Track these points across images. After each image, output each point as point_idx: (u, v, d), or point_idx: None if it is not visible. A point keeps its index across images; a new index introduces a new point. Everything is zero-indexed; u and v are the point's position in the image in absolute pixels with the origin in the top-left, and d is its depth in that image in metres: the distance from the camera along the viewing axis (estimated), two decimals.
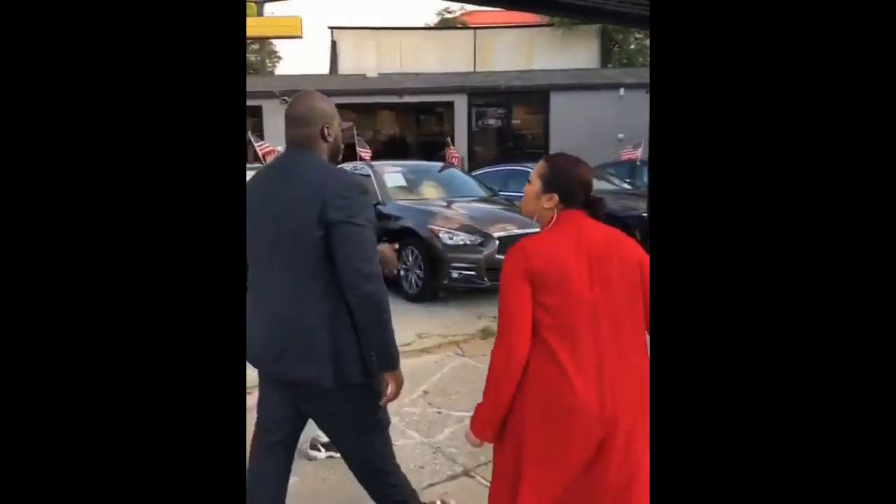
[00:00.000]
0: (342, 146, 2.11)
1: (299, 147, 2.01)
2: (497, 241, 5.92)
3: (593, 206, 1.74)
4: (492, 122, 16.61)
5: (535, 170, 1.80)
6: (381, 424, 2.09)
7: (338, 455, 2.60)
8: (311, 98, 2.05)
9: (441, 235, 6.01)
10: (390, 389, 1.92)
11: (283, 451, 2.12)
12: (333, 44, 20.02)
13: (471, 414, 1.73)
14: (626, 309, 1.63)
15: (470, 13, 22.85)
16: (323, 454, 3.02)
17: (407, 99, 15.87)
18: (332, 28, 20.20)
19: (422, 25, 24.35)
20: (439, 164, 8.35)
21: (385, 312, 1.87)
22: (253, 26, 19.21)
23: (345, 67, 19.09)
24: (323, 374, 1.90)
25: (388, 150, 16.09)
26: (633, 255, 1.67)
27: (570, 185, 1.72)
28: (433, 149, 14.78)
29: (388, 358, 1.90)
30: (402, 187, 7.34)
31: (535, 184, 1.76)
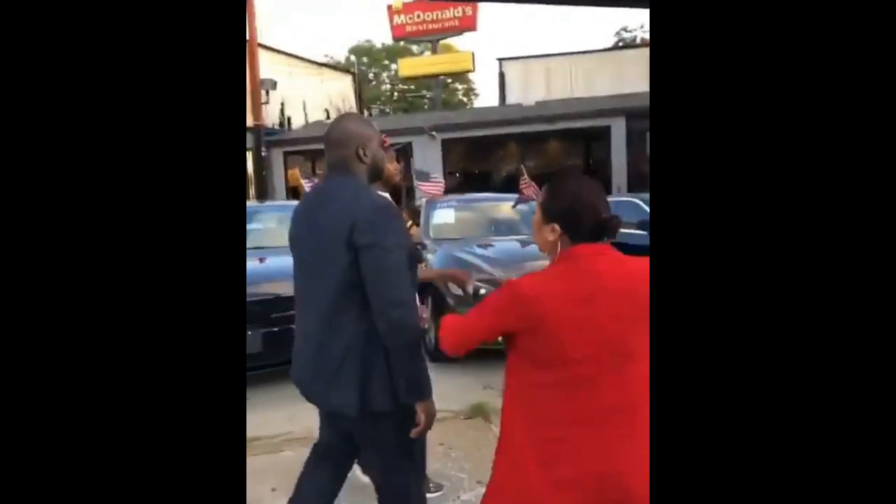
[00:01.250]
0: (383, 167, 2.08)
1: (337, 170, 2.00)
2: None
3: (606, 231, 1.47)
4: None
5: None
6: (410, 453, 2.03)
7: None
8: (346, 120, 2.05)
9: (449, 285, 4.73)
10: (421, 419, 1.85)
11: (330, 468, 2.12)
12: (502, 75, 20.08)
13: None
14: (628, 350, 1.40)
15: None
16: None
17: (561, 125, 14.37)
18: (500, 59, 20.39)
19: (599, 48, 23.69)
20: (514, 198, 7.29)
21: (413, 340, 1.80)
22: (427, 64, 20.23)
23: (512, 97, 18.99)
24: (347, 402, 1.87)
25: (540, 180, 14.78)
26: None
27: (573, 212, 1.46)
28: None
29: (417, 386, 1.84)
30: (449, 224, 6.52)
31: (538, 213, 1.54)
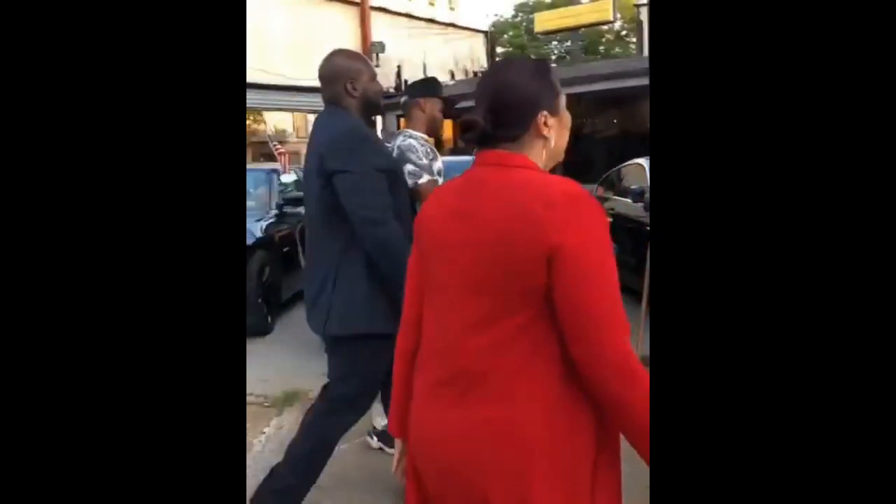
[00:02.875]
0: (374, 100, 2.10)
1: (329, 105, 2.06)
2: None
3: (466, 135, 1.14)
4: None
5: None
6: (357, 392, 2.05)
7: (389, 450, 2.60)
8: (333, 56, 2.08)
9: None
10: None
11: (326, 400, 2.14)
12: (639, 23, 18.64)
13: None
14: (492, 294, 1.09)
15: None
16: (375, 443, 2.95)
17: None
18: (637, 6, 18.92)
19: None
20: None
21: (401, 257, 1.66)
22: (564, 16, 19.02)
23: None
24: (317, 326, 1.94)
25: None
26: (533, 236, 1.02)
27: (479, 106, 1.14)
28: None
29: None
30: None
31: None
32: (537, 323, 1.05)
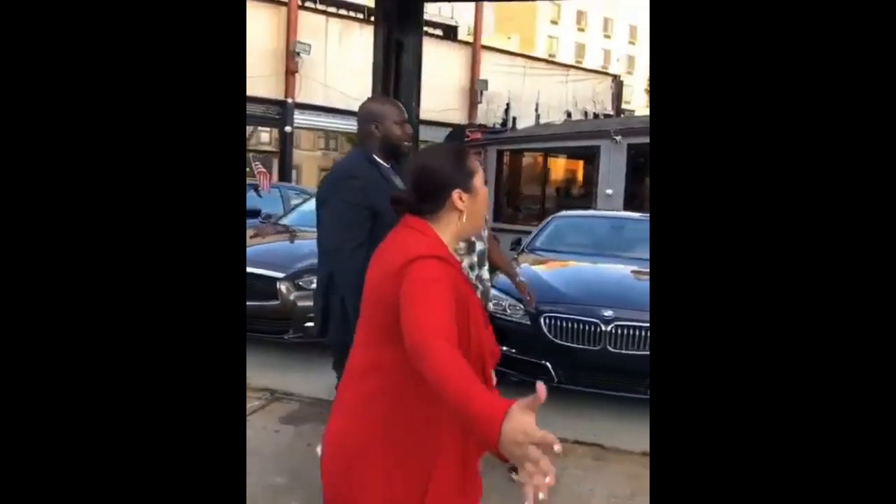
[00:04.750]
0: (395, 141, 2.34)
1: (358, 144, 2.37)
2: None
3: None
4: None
5: None
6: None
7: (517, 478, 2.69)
8: (369, 101, 2.40)
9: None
10: None
11: None
12: None
13: None
14: (366, 331, 1.38)
15: None
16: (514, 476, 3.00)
17: None
18: None
19: None
20: None
21: (346, 281, 2.04)
22: None
23: None
24: (316, 329, 2.30)
25: None
26: (398, 261, 1.29)
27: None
28: None
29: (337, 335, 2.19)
30: None
31: None
32: (384, 350, 1.30)
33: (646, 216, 6.08)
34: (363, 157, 2.29)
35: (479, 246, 2.86)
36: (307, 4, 16.58)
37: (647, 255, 4.52)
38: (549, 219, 6.14)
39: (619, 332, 3.59)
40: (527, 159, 15.09)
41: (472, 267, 2.80)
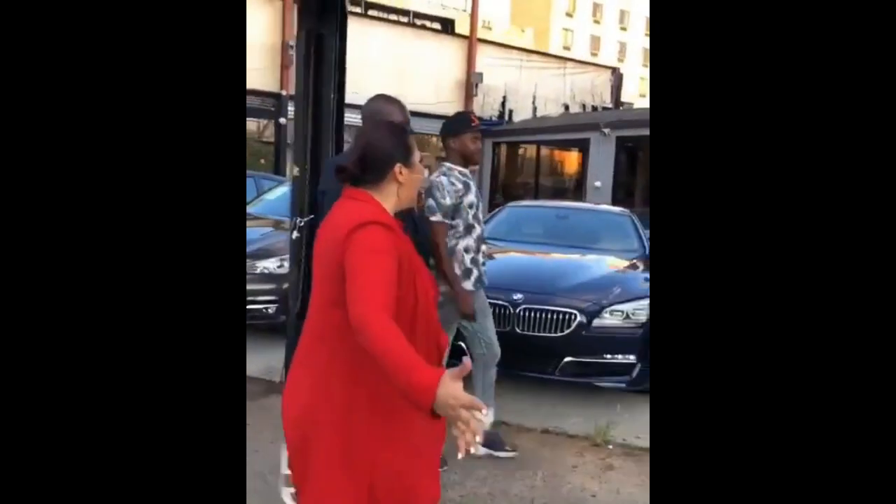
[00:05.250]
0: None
1: None
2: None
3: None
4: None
5: None
6: None
7: (501, 454, 2.92)
8: (371, 100, 2.39)
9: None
10: None
11: None
12: None
13: None
14: (318, 296, 1.44)
15: None
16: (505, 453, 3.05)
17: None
18: None
19: None
20: None
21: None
22: None
23: None
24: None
25: None
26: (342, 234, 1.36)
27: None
28: None
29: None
30: None
31: None
32: (335, 312, 1.34)
33: (598, 206, 6.40)
34: None
35: (477, 230, 2.87)
36: None
37: (586, 243, 4.90)
38: (497, 209, 6.28)
39: (527, 314, 3.74)
40: (520, 152, 15.13)
41: (467, 250, 2.81)
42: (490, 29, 23.07)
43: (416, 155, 1.51)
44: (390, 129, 1.51)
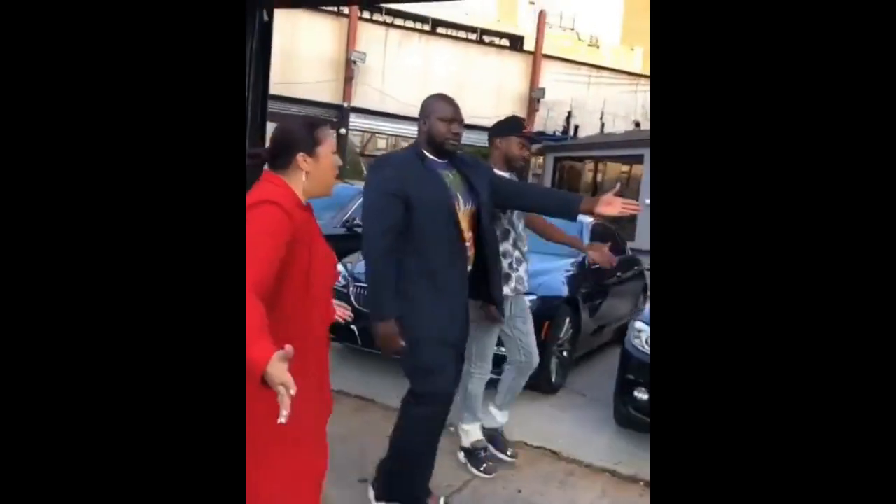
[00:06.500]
0: (437, 138, 2.40)
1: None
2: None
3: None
4: None
5: None
6: (413, 389, 2.37)
7: (501, 455, 3.03)
8: (426, 98, 2.46)
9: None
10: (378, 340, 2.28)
11: None
12: None
13: None
14: None
15: None
16: (463, 459, 3.05)
17: None
18: None
19: None
20: None
21: (370, 255, 2.25)
22: None
23: None
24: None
25: None
26: None
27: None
28: None
29: (370, 303, 2.48)
30: None
31: None
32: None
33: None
34: (412, 150, 2.43)
35: (520, 227, 2.84)
36: (367, 15, 17.52)
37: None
38: None
39: None
40: (581, 166, 15.25)
41: (505, 254, 2.75)
42: (598, 48, 22.95)
43: (326, 147, 1.68)
44: (300, 123, 1.71)
